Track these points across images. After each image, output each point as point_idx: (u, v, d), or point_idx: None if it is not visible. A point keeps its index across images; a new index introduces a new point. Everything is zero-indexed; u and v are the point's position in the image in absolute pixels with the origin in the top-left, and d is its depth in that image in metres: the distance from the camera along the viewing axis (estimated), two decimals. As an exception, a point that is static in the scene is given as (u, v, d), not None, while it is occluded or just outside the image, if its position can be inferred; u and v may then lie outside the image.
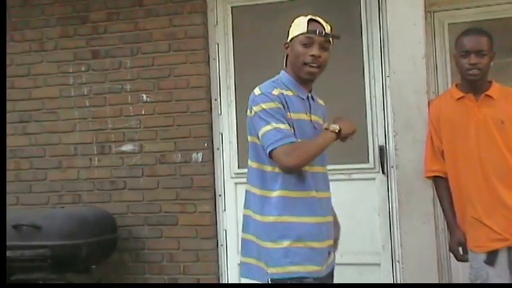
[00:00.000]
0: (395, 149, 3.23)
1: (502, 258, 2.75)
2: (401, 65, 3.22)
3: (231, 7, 4.34)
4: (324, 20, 2.50)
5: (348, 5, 4.19)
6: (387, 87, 3.96)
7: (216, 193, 4.28)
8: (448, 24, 4.08)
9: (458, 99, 2.92)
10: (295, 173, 2.35)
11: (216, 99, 4.32)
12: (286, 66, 2.54)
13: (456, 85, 3.00)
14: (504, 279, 2.74)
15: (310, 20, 2.45)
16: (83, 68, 4.45)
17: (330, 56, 2.46)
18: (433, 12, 4.09)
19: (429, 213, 3.15)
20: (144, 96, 4.33)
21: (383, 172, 4.04)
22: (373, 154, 4.07)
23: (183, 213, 4.24)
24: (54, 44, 4.51)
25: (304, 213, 2.35)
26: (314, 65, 2.41)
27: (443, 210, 3.02)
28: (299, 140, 2.35)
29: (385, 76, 4.02)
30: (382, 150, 4.03)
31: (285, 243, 2.31)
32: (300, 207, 2.35)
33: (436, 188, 3.06)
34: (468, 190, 2.85)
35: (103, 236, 3.99)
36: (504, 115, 2.83)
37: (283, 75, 2.51)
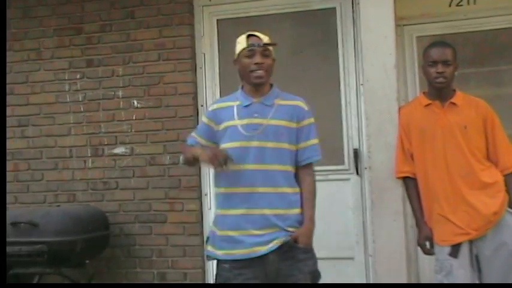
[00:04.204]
0: (369, 152, 3.24)
1: (464, 251, 2.79)
2: (373, 74, 3.23)
3: (217, 20, 4.34)
4: (262, 33, 2.62)
5: (325, 18, 4.22)
6: (361, 94, 3.98)
7: (202, 193, 4.26)
8: (416, 37, 4.14)
9: (426, 106, 2.94)
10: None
11: (202, 105, 4.30)
12: (241, 80, 2.68)
13: (424, 93, 3.02)
14: (466, 270, 2.77)
15: (248, 36, 2.60)
16: (78, 76, 4.42)
17: (273, 61, 2.63)
18: (403, 25, 4.13)
19: (399, 211, 3.17)
20: (135, 102, 4.31)
21: (357, 173, 4.07)
22: (348, 156, 4.09)
23: (171, 211, 4.22)
24: (51, 54, 4.48)
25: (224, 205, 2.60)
26: (259, 71, 2.57)
27: (412, 208, 3.05)
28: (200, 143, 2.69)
29: (359, 84, 4.05)
30: (357, 153, 4.06)
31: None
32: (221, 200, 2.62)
33: (405, 187, 3.07)
34: (435, 189, 2.88)
35: (96, 232, 3.96)
36: (467, 121, 2.86)
37: (240, 88, 2.70)
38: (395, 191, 3.15)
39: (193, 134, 2.77)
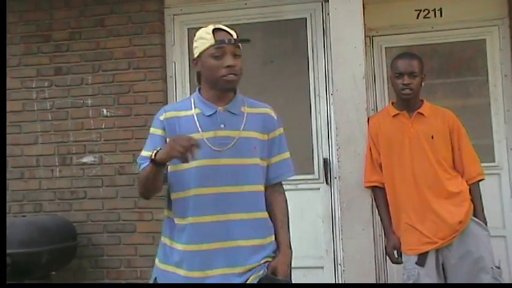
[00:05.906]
0: (338, 161, 3.26)
1: (431, 260, 2.82)
2: (343, 84, 3.26)
3: (187, 28, 4.33)
4: (228, 27, 2.19)
5: (296, 29, 4.25)
6: (331, 104, 4.02)
7: (172, 202, 4.23)
8: (385, 47, 4.21)
9: (394, 116, 2.97)
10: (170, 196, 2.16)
11: (172, 115, 4.27)
12: (198, 82, 2.22)
13: (392, 103, 3.06)
14: (432, 278, 2.81)
15: (215, 30, 2.13)
16: (46, 84, 4.36)
17: (243, 60, 2.17)
18: (372, 36, 4.21)
19: (368, 220, 3.19)
20: (105, 110, 4.27)
21: (327, 182, 4.09)
22: (317, 166, 4.11)
23: (140, 221, 4.18)
24: (18, 61, 4.40)
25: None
26: (231, 75, 2.09)
27: (380, 217, 3.07)
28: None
29: (329, 94, 4.09)
30: (326, 163, 4.08)
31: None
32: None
33: (374, 197, 3.10)
34: (403, 199, 2.91)
35: (63, 243, 3.88)
36: (434, 131, 2.90)
37: (196, 92, 2.22)
38: (364, 200, 3.18)
39: (144, 154, 2.13)
